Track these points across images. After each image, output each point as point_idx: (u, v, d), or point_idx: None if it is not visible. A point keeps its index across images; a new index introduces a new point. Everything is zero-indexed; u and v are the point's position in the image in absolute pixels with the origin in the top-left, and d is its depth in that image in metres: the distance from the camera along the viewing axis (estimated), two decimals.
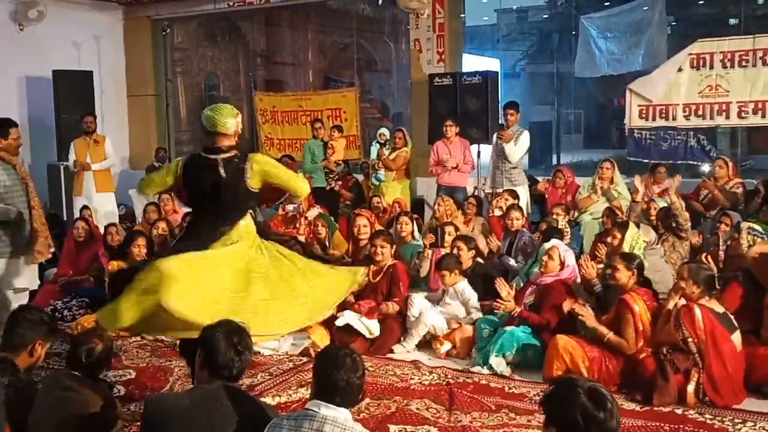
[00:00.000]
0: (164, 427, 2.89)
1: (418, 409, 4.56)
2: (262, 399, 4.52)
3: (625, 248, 5.71)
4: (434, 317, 5.71)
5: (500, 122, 8.86)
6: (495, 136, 8.65)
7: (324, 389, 2.82)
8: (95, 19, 12.31)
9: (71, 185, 10.00)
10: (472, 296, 5.84)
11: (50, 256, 6.02)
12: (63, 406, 3.15)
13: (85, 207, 8.71)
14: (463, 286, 5.85)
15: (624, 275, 4.96)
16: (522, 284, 5.90)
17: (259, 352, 5.47)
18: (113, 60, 12.63)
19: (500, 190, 8.21)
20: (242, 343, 3.06)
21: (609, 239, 5.87)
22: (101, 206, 9.34)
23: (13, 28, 11.04)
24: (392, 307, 5.77)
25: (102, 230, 7.96)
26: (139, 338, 6.13)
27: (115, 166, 9.86)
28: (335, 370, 2.80)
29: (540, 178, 9.19)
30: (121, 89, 12.84)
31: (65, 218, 9.29)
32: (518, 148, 8.41)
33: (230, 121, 4.47)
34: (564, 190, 8.35)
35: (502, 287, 5.39)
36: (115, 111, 12.32)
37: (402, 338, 5.77)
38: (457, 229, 6.86)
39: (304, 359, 5.45)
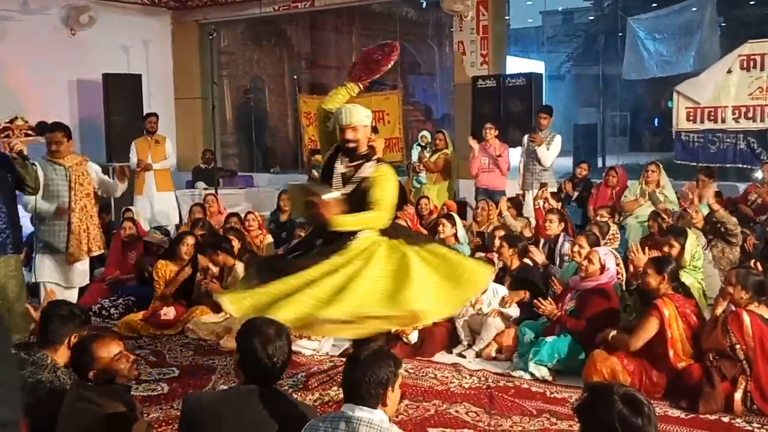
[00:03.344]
0: (199, 425, 2.91)
1: (457, 412, 4.54)
2: (301, 399, 4.56)
3: (686, 257, 5.59)
4: (497, 320, 5.70)
5: (533, 125, 8.83)
6: (526, 138, 8.65)
7: (347, 391, 2.83)
8: (144, 23, 12.55)
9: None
10: (503, 291, 5.83)
11: (84, 258, 6.11)
12: (81, 417, 3.13)
13: (127, 209, 8.87)
14: (494, 287, 5.82)
15: (654, 280, 4.85)
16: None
17: (300, 352, 5.52)
18: (161, 63, 12.86)
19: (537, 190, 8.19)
20: (279, 349, 2.97)
21: (666, 248, 5.69)
22: (162, 205, 9.53)
23: (65, 33, 11.32)
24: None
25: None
26: (182, 336, 6.24)
27: (173, 166, 10.05)
28: (351, 371, 2.83)
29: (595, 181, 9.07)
30: (168, 92, 13.07)
31: (113, 219, 9.47)
32: (551, 151, 8.42)
33: None
34: (616, 190, 8.26)
35: (542, 303, 5.35)
36: (162, 113, 12.43)
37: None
38: (507, 232, 6.80)
39: (345, 360, 5.46)
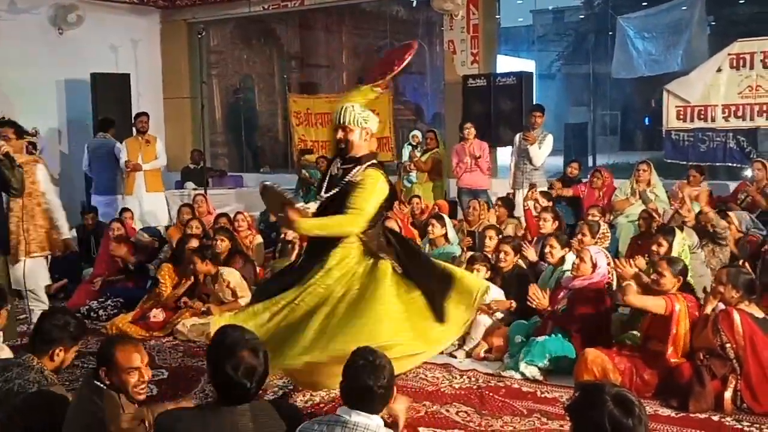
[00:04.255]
0: None
1: (448, 412, 4.52)
2: (290, 401, 4.52)
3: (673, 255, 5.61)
4: (487, 319, 5.67)
5: (525, 124, 8.82)
6: (517, 137, 8.66)
7: (350, 396, 2.78)
8: (133, 22, 12.49)
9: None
10: (500, 294, 5.81)
11: (22, 259, 5.95)
12: (85, 414, 3.11)
13: (125, 209, 8.82)
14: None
15: (669, 282, 4.83)
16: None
17: None
18: (150, 63, 12.80)
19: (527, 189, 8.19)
20: (255, 372, 2.74)
21: (654, 247, 5.71)
22: (151, 205, 9.47)
23: (53, 33, 11.25)
24: None
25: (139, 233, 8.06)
26: (171, 338, 6.20)
27: (164, 167, 9.98)
28: (361, 378, 2.75)
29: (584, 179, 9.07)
30: (157, 91, 13.02)
31: (101, 219, 9.40)
32: (543, 150, 8.43)
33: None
34: (602, 191, 8.26)
35: (536, 291, 5.35)
36: (151, 113, 12.42)
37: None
38: (499, 232, 6.79)
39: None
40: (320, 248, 4.18)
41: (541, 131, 8.58)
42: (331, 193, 4.15)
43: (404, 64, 4.45)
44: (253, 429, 2.76)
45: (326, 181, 4.26)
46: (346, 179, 4.12)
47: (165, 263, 6.86)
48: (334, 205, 4.11)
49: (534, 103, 9.71)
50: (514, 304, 5.73)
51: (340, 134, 4.18)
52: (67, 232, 6.42)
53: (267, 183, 4.19)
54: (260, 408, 2.87)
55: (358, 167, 4.13)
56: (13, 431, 3.20)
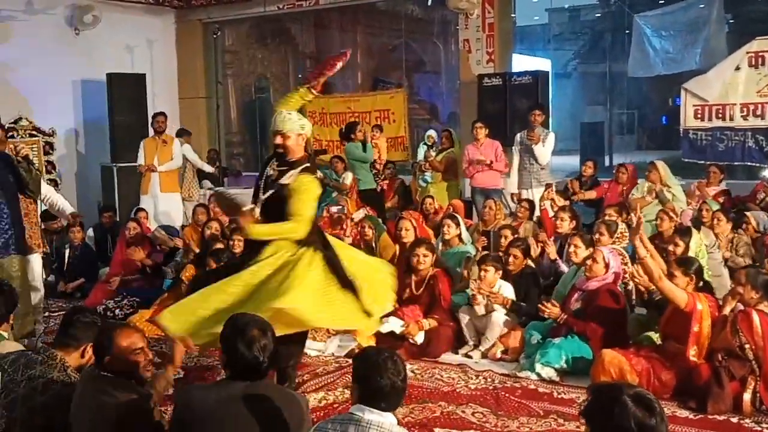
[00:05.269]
0: (190, 422, 2.91)
1: (464, 413, 4.50)
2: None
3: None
4: (502, 318, 5.64)
5: (529, 124, 8.76)
6: (519, 136, 8.61)
7: (366, 394, 2.76)
8: (148, 23, 12.53)
9: (124, 186, 10.23)
10: (510, 292, 5.77)
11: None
12: (95, 408, 3.10)
13: (140, 209, 8.86)
14: (500, 284, 5.78)
15: (682, 281, 4.79)
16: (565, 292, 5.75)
17: (306, 353, 5.47)
18: (165, 63, 12.83)
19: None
20: (265, 348, 2.96)
21: (671, 247, 5.68)
22: (166, 206, 9.51)
23: (69, 33, 11.30)
24: (430, 323, 5.68)
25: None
26: None
27: (180, 167, 9.98)
28: (377, 375, 2.74)
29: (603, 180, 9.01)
30: (173, 92, 13.04)
31: (118, 219, 9.46)
32: (546, 149, 8.44)
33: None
34: (626, 187, 8.21)
35: (546, 306, 5.33)
36: (167, 113, 12.55)
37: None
38: (514, 232, 6.75)
39: (351, 361, 5.42)
40: (256, 246, 4.42)
41: (542, 129, 8.56)
42: (267, 194, 4.44)
43: (335, 69, 4.76)
44: (261, 401, 2.90)
45: (263, 180, 4.54)
46: (280, 182, 4.40)
47: (189, 264, 6.87)
48: (273, 207, 4.39)
49: (550, 101, 9.68)
50: (508, 301, 5.67)
51: (278, 140, 4.44)
52: (70, 207, 6.67)
53: (218, 190, 4.52)
54: (273, 388, 3.05)
55: (292, 171, 4.39)
56: (33, 430, 3.22)
